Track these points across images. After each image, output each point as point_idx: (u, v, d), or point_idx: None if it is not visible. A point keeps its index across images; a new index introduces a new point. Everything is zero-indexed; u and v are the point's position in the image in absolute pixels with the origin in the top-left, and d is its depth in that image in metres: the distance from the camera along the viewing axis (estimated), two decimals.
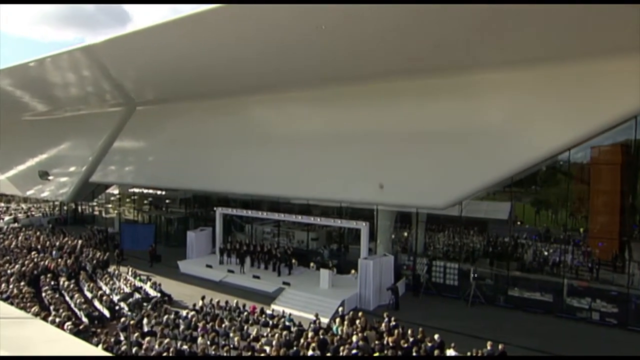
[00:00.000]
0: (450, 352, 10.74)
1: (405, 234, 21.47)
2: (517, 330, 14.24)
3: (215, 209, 23.08)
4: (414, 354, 10.55)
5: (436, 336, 11.34)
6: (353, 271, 18.84)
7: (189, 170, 22.38)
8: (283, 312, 14.05)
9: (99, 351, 4.73)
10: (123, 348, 10.39)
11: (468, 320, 15.30)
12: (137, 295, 14.62)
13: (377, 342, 11.11)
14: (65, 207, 37.02)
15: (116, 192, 35.45)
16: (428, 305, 17.16)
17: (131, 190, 33.37)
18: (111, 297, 15.07)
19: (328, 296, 16.52)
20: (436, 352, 10.54)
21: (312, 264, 20.21)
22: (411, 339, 11.38)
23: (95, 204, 37.94)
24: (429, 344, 10.96)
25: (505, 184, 17.59)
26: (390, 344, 10.91)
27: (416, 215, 19.70)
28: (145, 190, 32.99)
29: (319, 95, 18.04)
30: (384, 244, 19.54)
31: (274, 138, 19.48)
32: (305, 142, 18.38)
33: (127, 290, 16.27)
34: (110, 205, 36.75)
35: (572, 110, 13.54)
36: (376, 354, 10.45)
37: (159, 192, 31.92)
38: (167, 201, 31.50)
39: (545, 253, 17.96)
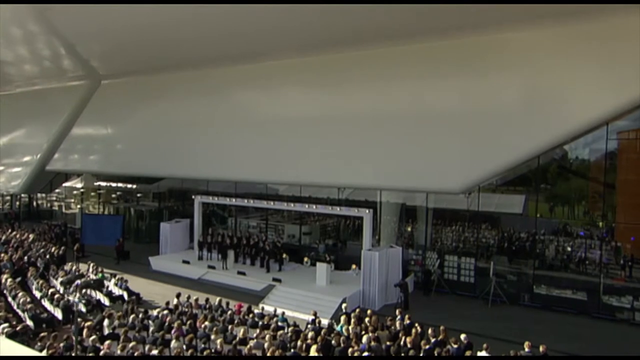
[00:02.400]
0: (483, 354, 9.54)
1: (409, 228, 20.68)
2: (551, 332, 13.19)
3: (193, 197, 21.61)
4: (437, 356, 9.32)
5: (462, 336, 10.18)
6: (354, 266, 17.67)
7: (164, 154, 20.97)
8: (275, 310, 12.71)
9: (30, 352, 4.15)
10: (74, 354, 8.93)
11: (489, 321, 14.41)
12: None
13: (390, 342, 9.82)
14: (17, 201, 34.90)
15: (79, 185, 33.66)
16: (441, 305, 16.20)
17: (97, 183, 31.69)
18: (65, 296, 13.54)
19: (326, 294, 15.25)
20: (467, 354, 9.29)
21: (306, 259, 18.91)
22: (433, 340, 10.15)
23: (54, 198, 36.00)
24: (454, 346, 9.74)
25: (514, 176, 17.40)
26: (408, 345, 9.64)
27: (426, 203, 18.76)
28: (114, 184, 31.37)
29: (314, 64, 16.60)
30: (387, 240, 18.54)
31: (262, 116, 18.12)
32: (299, 121, 17.08)
33: (88, 289, 14.74)
34: (72, 200, 34.86)
35: (614, 73, 12.43)
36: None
37: (129, 186, 30.39)
38: (138, 195, 29.91)
39: (569, 249, 17.35)
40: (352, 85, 15.81)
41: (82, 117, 24.92)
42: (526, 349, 9.69)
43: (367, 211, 16.83)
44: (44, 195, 35.62)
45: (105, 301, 13.89)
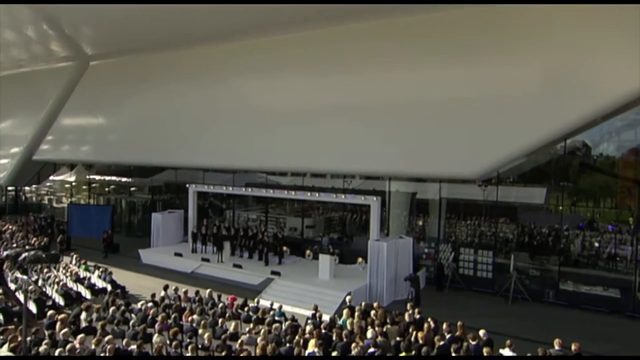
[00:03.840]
0: (506, 352, 8.73)
1: (421, 222, 20.14)
2: (583, 332, 12.25)
3: (187, 185, 20.96)
4: (454, 353, 8.52)
5: (482, 332, 9.40)
6: (360, 259, 16.96)
7: (159, 142, 20.39)
8: (272, 304, 11.99)
9: None
10: (42, 349, 8.26)
11: (510, 319, 13.70)
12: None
13: (399, 338, 9.05)
14: (2, 195, 34.48)
15: (71, 179, 33.24)
16: (456, 301, 15.49)
17: (90, 177, 31.20)
18: (43, 289, 12.95)
19: (329, 288, 14.50)
20: (485, 352, 8.49)
21: (308, 252, 18.18)
22: (448, 336, 9.36)
23: (44, 192, 35.60)
24: (473, 342, 8.94)
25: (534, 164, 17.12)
26: (420, 341, 8.86)
27: (439, 192, 18.12)
28: (107, 177, 30.88)
29: (322, 38, 15.73)
30: (397, 232, 17.90)
31: (266, 101, 17.37)
32: (305, 105, 16.36)
33: (68, 282, 14.13)
34: (63, 194, 34.45)
35: None
36: (403, 354, 8.38)
37: (123, 180, 29.91)
38: (132, 189, 29.39)
39: (596, 244, 16.82)
40: (365, 69, 15.00)
41: (70, 103, 24.34)
42: (556, 347, 8.86)
43: (375, 198, 16.07)
44: (33, 188, 35.28)
45: (87, 294, 13.27)
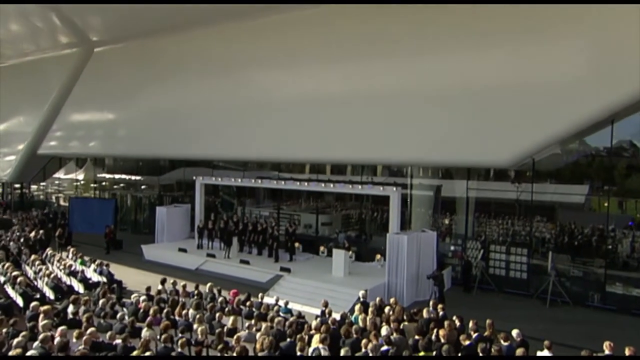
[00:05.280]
0: (545, 354, 7.86)
1: (447, 221, 19.51)
2: (635, 338, 11.18)
3: (194, 178, 20.57)
4: (481, 354, 7.70)
5: (515, 332, 8.54)
6: (379, 256, 16.25)
7: (170, 133, 20.31)
8: (277, 300, 11.36)
9: None
10: (17, 341, 7.78)
11: (548, 323, 12.70)
12: None
13: (418, 337, 8.26)
14: (9, 191, 34.88)
15: (80, 177, 33.40)
16: (485, 303, 14.56)
17: (100, 175, 31.25)
18: (34, 282, 12.66)
19: (343, 285, 13.77)
20: (520, 353, 7.64)
21: (322, 248, 17.50)
22: (474, 335, 8.54)
23: (52, 190, 35.87)
24: (504, 343, 8.09)
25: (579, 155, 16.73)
26: (442, 340, 8.06)
27: (466, 184, 17.36)
28: (117, 176, 30.85)
29: (348, 20, 15.34)
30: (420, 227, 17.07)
31: (285, 91, 17.21)
32: (326, 94, 16.11)
33: (62, 275, 13.81)
34: (71, 192, 34.62)
35: None
36: (422, 354, 7.60)
37: (133, 178, 29.83)
38: (142, 187, 29.25)
39: None
40: (396, 54, 14.84)
41: (75, 94, 24.37)
42: (606, 351, 7.90)
43: (394, 189, 15.31)
44: (41, 186, 35.60)
45: (80, 288, 12.90)
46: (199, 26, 18.46)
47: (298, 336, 8.02)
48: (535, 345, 8.69)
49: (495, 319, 10.16)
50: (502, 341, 8.18)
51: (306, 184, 17.62)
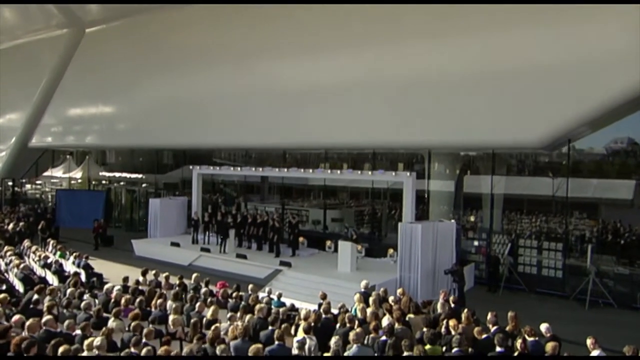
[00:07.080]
0: (595, 352, 6.97)
1: (472, 217, 19.00)
2: None
3: (191, 167, 20.11)
4: (499, 348, 6.84)
5: (544, 327, 7.71)
6: (391, 250, 15.50)
7: (166, 120, 20.39)
8: (269, 291, 10.69)
9: None
10: None
11: (587, 326, 11.66)
12: None
13: (426, 329, 7.43)
14: (1, 189, 35.00)
15: (78, 175, 33.35)
16: (513, 303, 13.27)
17: (102, 173, 31.13)
18: (5, 274, 12.26)
19: (349, 280, 13.01)
20: (549, 349, 6.76)
21: (329, 243, 16.75)
22: (493, 328, 7.68)
23: (48, 189, 35.93)
24: (530, 338, 7.22)
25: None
26: (452, 331, 7.23)
27: (492, 170, 16.66)
28: (118, 174, 30.68)
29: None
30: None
31: (291, 75, 17.36)
32: (339, 79, 16.37)
33: (35, 267, 13.41)
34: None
35: None
36: (427, 347, 6.78)
37: (134, 176, 29.60)
38: (143, 185, 28.96)
39: None
40: (422, 36, 15.12)
41: (66, 81, 24.25)
42: None
43: (408, 174, 14.52)
44: (37, 185, 35.70)
45: (54, 280, 12.43)
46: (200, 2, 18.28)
47: (283, 326, 7.33)
48: (573, 348, 7.85)
49: (523, 320, 9.27)
50: (527, 336, 7.31)
51: (310, 170, 16.96)
